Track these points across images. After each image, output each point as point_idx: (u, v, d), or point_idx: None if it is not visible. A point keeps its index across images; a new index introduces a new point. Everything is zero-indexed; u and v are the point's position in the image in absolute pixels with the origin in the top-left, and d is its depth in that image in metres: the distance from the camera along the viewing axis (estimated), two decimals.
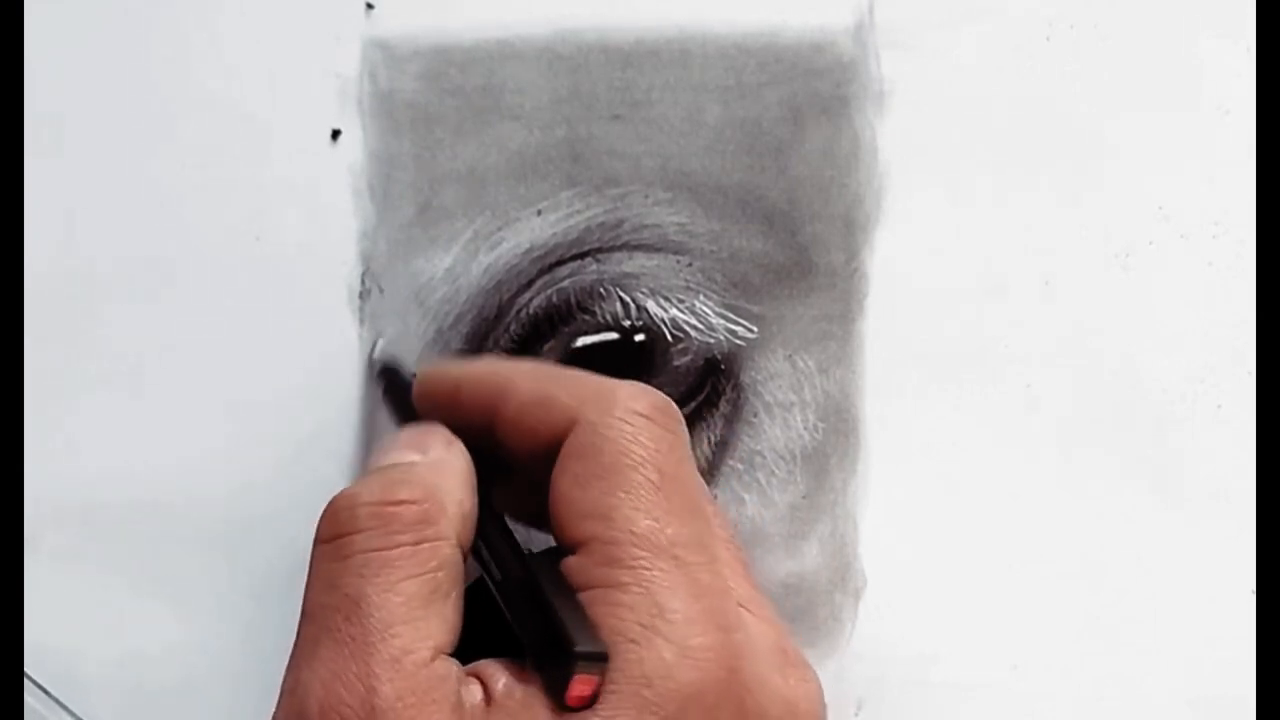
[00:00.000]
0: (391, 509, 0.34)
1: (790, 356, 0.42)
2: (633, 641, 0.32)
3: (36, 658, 0.42)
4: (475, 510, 0.36)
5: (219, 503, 0.42)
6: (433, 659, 0.33)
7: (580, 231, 0.42)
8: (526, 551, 0.36)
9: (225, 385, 0.42)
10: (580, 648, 0.32)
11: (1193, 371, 0.42)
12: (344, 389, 0.42)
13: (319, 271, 0.42)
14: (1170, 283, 0.42)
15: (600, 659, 0.32)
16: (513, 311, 0.42)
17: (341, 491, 0.35)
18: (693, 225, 0.42)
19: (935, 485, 0.42)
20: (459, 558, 0.35)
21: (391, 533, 0.34)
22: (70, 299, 0.42)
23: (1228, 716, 0.42)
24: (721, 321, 0.42)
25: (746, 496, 0.42)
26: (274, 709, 0.34)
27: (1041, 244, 0.42)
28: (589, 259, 0.42)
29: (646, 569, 0.33)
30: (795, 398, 0.42)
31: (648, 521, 0.34)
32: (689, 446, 0.36)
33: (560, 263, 0.42)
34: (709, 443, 0.42)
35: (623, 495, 0.34)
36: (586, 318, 0.41)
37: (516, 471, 0.37)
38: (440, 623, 0.33)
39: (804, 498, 0.42)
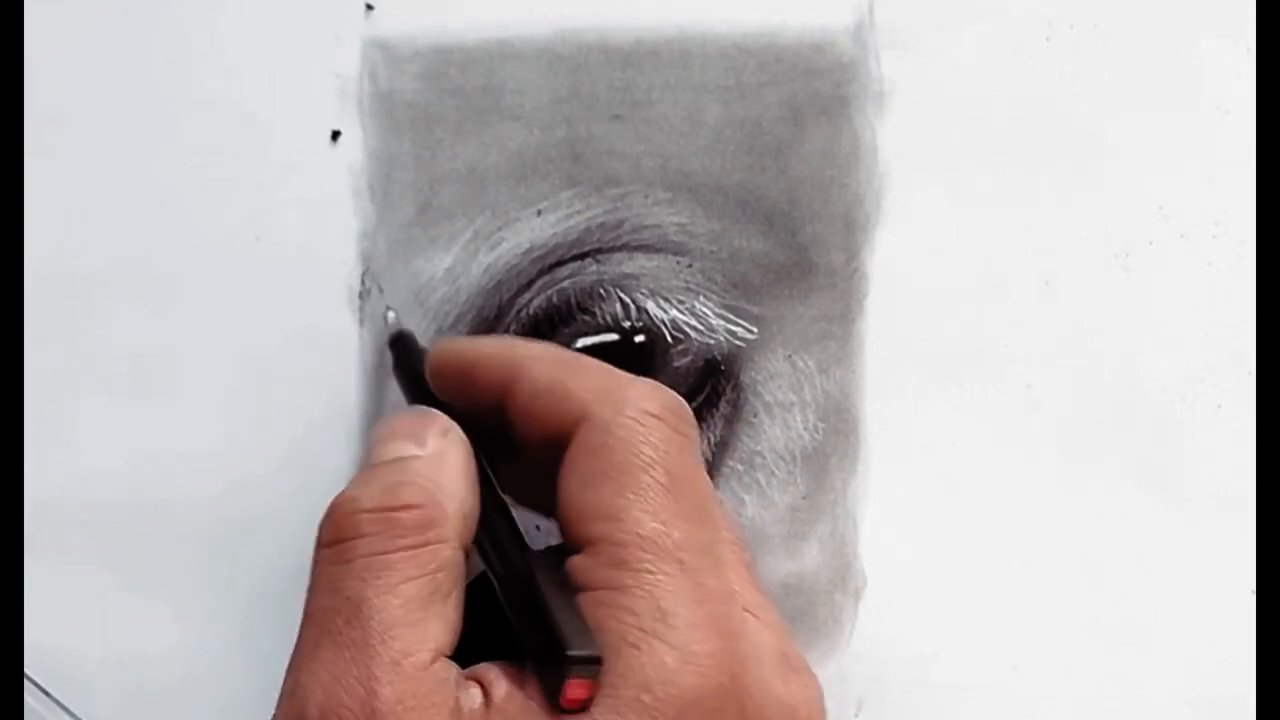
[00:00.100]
0: (393, 513, 0.34)
1: (790, 356, 0.42)
2: (634, 645, 0.32)
3: (36, 658, 0.42)
4: (476, 506, 0.36)
5: (219, 503, 0.42)
6: (433, 662, 0.33)
7: (580, 232, 0.42)
8: (531, 548, 0.36)
9: (225, 385, 0.42)
10: (574, 651, 0.32)
11: (1193, 371, 0.42)
12: (344, 389, 0.42)
13: (319, 271, 0.42)
14: (1170, 283, 0.42)
15: (594, 663, 0.32)
16: (513, 312, 0.42)
17: (342, 494, 0.35)
18: (693, 225, 0.42)
19: (935, 485, 0.42)
20: (460, 559, 0.35)
21: (393, 537, 0.34)
22: (70, 299, 0.42)
23: (1228, 716, 0.42)
24: (721, 322, 0.42)
25: (746, 497, 0.42)
26: (274, 710, 0.34)
27: (1041, 244, 0.42)
28: (589, 259, 0.42)
29: (651, 573, 0.33)
30: (795, 398, 0.42)
31: (655, 524, 0.34)
32: (699, 448, 0.36)
33: (560, 263, 0.42)
34: (709, 443, 0.42)
35: (631, 496, 0.34)
36: (586, 318, 0.41)
37: (524, 455, 0.37)
38: (440, 625, 0.33)
39: (804, 498, 0.42)
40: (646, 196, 0.42)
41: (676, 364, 0.42)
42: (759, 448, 0.42)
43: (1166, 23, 0.42)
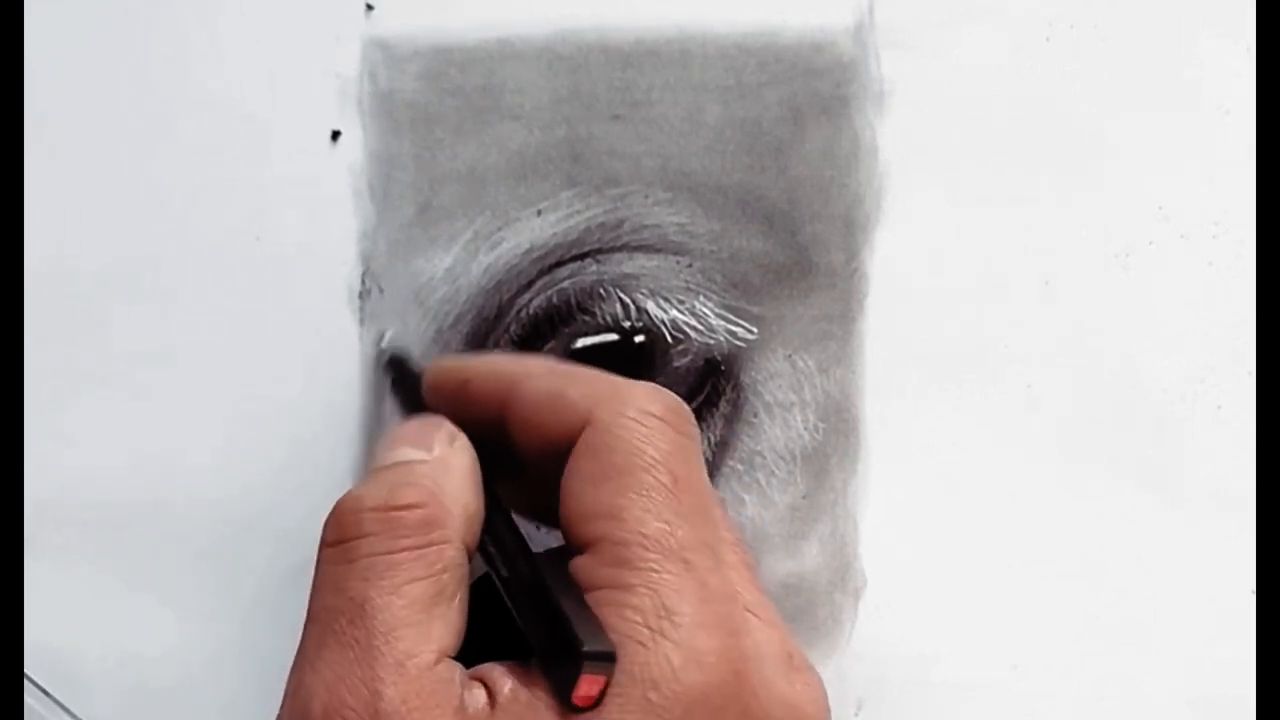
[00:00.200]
0: (397, 513, 0.34)
1: (790, 356, 0.42)
2: (639, 644, 0.32)
3: (36, 658, 0.42)
4: (480, 510, 0.36)
5: (219, 502, 0.42)
6: (436, 662, 0.33)
7: (580, 232, 0.42)
8: (534, 551, 0.36)
9: (225, 385, 0.42)
10: (589, 647, 0.32)
11: (1193, 371, 0.42)
12: (344, 389, 0.42)
13: (319, 271, 0.42)
14: (1170, 283, 0.42)
15: (608, 659, 0.32)
16: (513, 312, 0.42)
17: (347, 494, 0.35)
18: (693, 225, 0.42)
19: (935, 485, 0.42)
20: (464, 560, 0.35)
21: (396, 536, 0.34)
22: (70, 299, 0.42)
23: (1228, 716, 0.42)
24: (721, 322, 0.42)
25: (746, 497, 0.42)
26: (279, 709, 0.34)
27: (1041, 244, 0.42)
28: (589, 259, 0.42)
29: (655, 571, 0.33)
30: (795, 398, 0.42)
31: (658, 524, 0.34)
32: (701, 449, 0.36)
33: (560, 263, 0.42)
34: (709, 443, 0.42)
35: (634, 496, 0.34)
36: (586, 318, 0.41)
37: (525, 467, 0.37)
38: (444, 626, 0.34)
39: (804, 498, 0.42)
40: (646, 196, 0.42)
41: (676, 364, 0.42)
42: (759, 447, 0.42)
43: (1166, 23, 0.42)
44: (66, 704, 0.42)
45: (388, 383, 0.41)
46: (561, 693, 0.32)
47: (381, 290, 0.42)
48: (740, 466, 0.42)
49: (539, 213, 0.42)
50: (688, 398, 0.41)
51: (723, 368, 0.42)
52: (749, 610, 0.34)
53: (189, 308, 0.42)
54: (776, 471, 0.42)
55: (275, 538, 0.42)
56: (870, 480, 0.42)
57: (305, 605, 0.35)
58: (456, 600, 0.34)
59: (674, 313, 0.42)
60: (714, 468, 0.42)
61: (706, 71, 0.42)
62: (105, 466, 0.42)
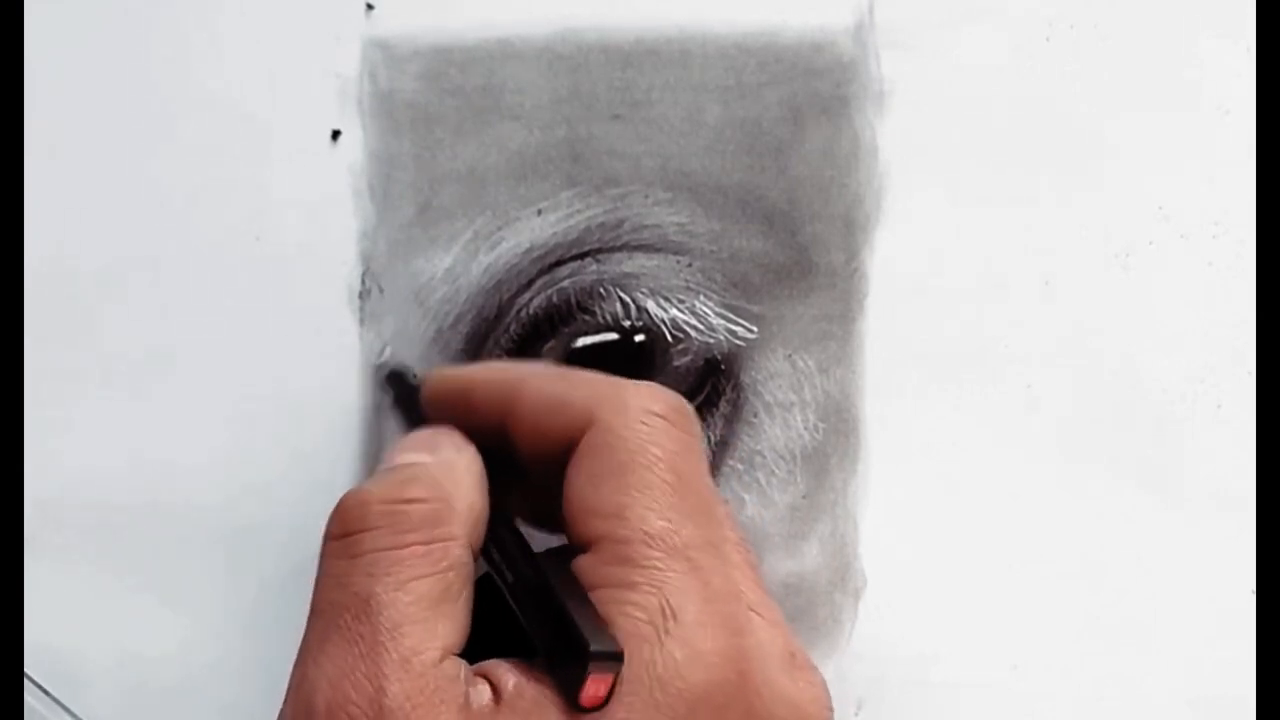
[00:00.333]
0: (402, 507, 0.34)
1: (790, 356, 0.42)
2: (644, 642, 0.33)
3: (36, 658, 0.42)
4: (486, 511, 0.36)
5: (219, 502, 0.42)
6: (441, 659, 0.33)
7: (580, 231, 0.42)
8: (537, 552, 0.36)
9: (225, 385, 0.42)
10: (596, 647, 0.32)
11: (1193, 371, 0.42)
12: (344, 389, 0.42)
13: (319, 271, 0.42)
14: (1170, 283, 0.42)
15: (616, 659, 0.32)
16: (513, 311, 0.42)
17: (352, 489, 0.35)
18: (693, 225, 0.42)
19: (935, 485, 0.42)
20: (469, 558, 0.35)
21: (402, 531, 0.34)
22: (70, 299, 0.42)
23: (1228, 716, 0.42)
24: (721, 322, 0.42)
25: (746, 496, 0.42)
26: (283, 703, 0.34)
27: (1041, 244, 0.42)
28: (589, 259, 0.42)
29: (659, 570, 0.33)
30: (795, 398, 0.42)
31: (661, 522, 0.34)
32: (704, 448, 0.36)
33: (560, 263, 0.42)
34: (709, 443, 0.42)
35: (637, 495, 0.34)
36: (586, 318, 0.41)
37: (529, 474, 0.37)
38: (449, 623, 0.33)
39: (804, 498, 0.42)
40: (646, 196, 0.42)
41: (676, 363, 0.42)
42: (759, 447, 0.42)
43: (1166, 23, 0.42)
44: (66, 704, 0.42)
45: (388, 399, 0.41)
46: (568, 692, 0.32)
47: (381, 290, 0.42)
48: (740, 466, 0.42)
49: (539, 212, 0.42)
50: (688, 397, 0.41)
51: (723, 367, 0.42)
52: (752, 609, 0.34)
53: (189, 308, 0.42)
54: (776, 471, 0.42)
55: (275, 538, 0.42)
56: (870, 480, 0.42)
57: (306, 605, 0.35)
58: (462, 597, 0.34)
59: (674, 312, 0.42)
60: (714, 467, 0.42)
61: (706, 71, 0.42)
62: (105, 466, 0.42)
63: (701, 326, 0.42)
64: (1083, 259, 0.42)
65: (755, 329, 0.42)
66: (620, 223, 0.42)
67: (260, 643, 0.42)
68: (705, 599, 0.33)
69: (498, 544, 0.36)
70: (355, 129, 0.42)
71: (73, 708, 0.42)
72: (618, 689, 0.32)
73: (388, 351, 0.42)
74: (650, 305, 0.42)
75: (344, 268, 0.42)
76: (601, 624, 0.33)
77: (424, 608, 0.33)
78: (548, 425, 0.36)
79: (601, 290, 0.42)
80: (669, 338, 0.42)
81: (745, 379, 0.42)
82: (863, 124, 0.42)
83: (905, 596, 0.42)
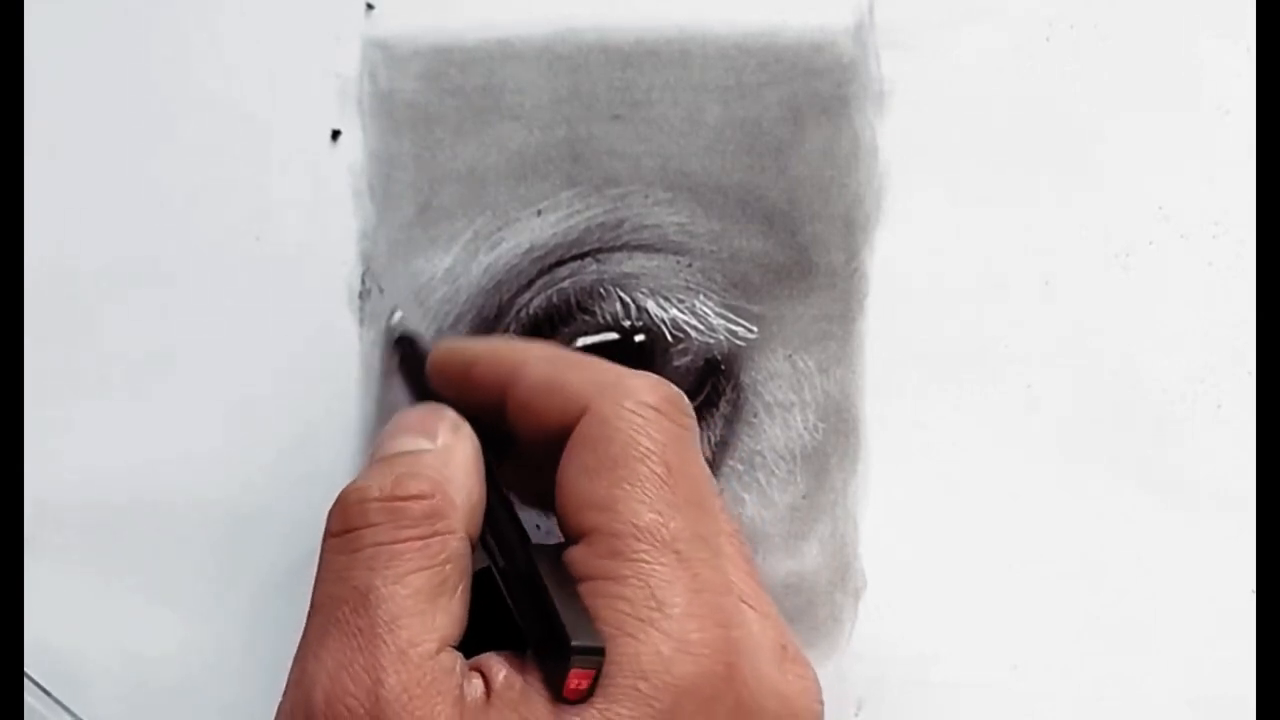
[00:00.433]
0: (401, 503, 0.34)
1: (790, 356, 0.42)
2: (630, 635, 0.33)
3: (36, 658, 0.42)
4: (483, 499, 0.36)
5: (219, 502, 0.42)
6: (438, 651, 0.33)
7: (580, 231, 0.42)
8: (532, 542, 0.36)
9: (225, 385, 0.42)
10: (577, 642, 0.32)
11: (1193, 371, 0.42)
12: (344, 389, 0.42)
13: (319, 271, 0.42)
14: (1170, 283, 0.42)
15: (597, 653, 0.32)
16: (513, 311, 0.42)
17: (351, 484, 0.35)
18: (693, 225, 0.42)
19: (935, 485, 0.42)
20: (467, 550, 0.35)
21: (401, 526, 0.34)
22: (70, 299, 0.42)
23: (1228, 716, 0.42)
24: (721, 322, 0.42)
25: (746, 496, 0.42)
26: (281, 698, 0.34)
27: (1041, 244, 0.42)
28: (589, 259, 0.42)
29: (647, 562, 0.33)
30: (795, 398, 0.42)
31: (651, 515, 0.34)
32: (698, 440, 0.36)
33: (560, 263, 0.42)
34: (709, 443, 0.42)
35: (628, 487, 0.34)
36: (586, 318, 0.41)
37: (525, 453, 0.37)
38: (446, 616, 0.34)
39: (804, 498, 0.42)
40: (646, 196, 0.42)
41: (676, 363, 0.42)
42: (759, 447, 0.42)
43: (1166, 23, 0.42)
44: (66, 704, 0.42)
45: (396, 360, 0.41)
46: (552, 685, 0.33)
47: (381, 290, 0.42)
48: (740, 466, 0.42)
49: (539, 213, 0.42)
50: (688, 396, 0.41)
51: (723, 367, 0.42)
52: (744, 601, 0.35)
53: (189, 308, 0.42)
54: (776, 471, 0.42)
55: (275, 537, 0.42)
56: (870, 480, 0.42)
57: (305, 605, 0.35)
58: (459, 591, 0.34)
59: (674, 312, 0.42)
60: (714, 467, 0.42)
61: (706, 71, 0.42)
62: (105, 466, 0.42)
63: (701, 326, 0.42)
64: (1083, 259, 0.42)
65: (755, 329, 0.42)
66: (620, 223, 0.42)
67: (260, 643, 0.42)
68: (694, 591, 0.33)
69: (494, 530, 0.36)
70: (355, 129, 0.42)
71: (73, 708, 0.42)
72: (602, 681, 0.33)
73: (398, 315, 0.42)
74: (650, 305, 0.42)
75: (344, 268, 0.42)
76: (586, 617, 0.33)
77: (421, 600, 0.33)
78: (543, 409, 0.36)
79: (601, 290, 0.42)
80: (669, 338, 0.42)
81: (745, 379, 0.42)
82: (863, 124, 0.42)
83: (905, 596, 0.42)
